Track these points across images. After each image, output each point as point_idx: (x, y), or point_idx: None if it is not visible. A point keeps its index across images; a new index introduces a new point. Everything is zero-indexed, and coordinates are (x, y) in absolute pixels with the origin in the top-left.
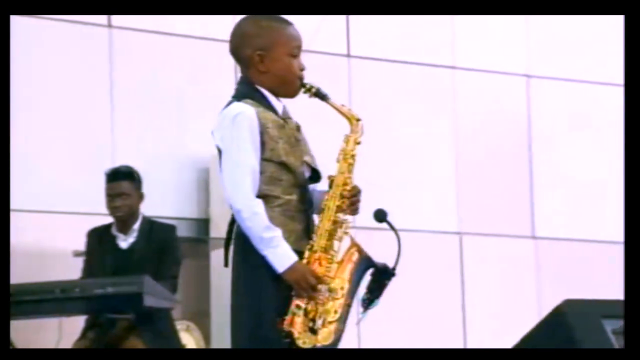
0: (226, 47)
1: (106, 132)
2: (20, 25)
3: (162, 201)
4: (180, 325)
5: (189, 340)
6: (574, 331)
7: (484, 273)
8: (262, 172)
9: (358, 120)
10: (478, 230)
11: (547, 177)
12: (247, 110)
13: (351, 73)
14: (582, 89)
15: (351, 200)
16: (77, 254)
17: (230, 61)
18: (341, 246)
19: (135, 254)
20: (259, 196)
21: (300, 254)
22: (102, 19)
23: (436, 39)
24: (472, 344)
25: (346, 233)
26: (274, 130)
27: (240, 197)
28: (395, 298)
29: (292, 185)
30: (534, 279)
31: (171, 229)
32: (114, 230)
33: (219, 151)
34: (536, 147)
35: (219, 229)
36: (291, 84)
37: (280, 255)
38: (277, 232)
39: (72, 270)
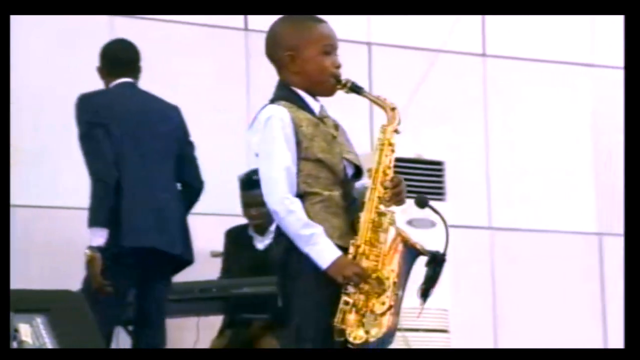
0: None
1: (243, 131)
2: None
3: None
4: None
5: None
6: None
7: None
8: (299, 171)
9: (393, 109)
10: (619, 230)
11: None
12: (279, 111)
13: (486, 72)
14: None
15: (394, 191)
16: (214, 255)
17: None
18: (387, 237)
19: (272, 255)
20: (299, 194)
21: (345, 250)
22: (238, 21)
23: (574, 35)
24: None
25: (391, 224)
26: (309, 129)
27: (275, 197)
28: (534, 297)
29: (332, 182)
30: None
31: None
32: (251, 231)
33: (257, 156)
34: None
35: None
36: (325, 83)
37: (322, 251)
38: (317, 229)
39: (210, 270)
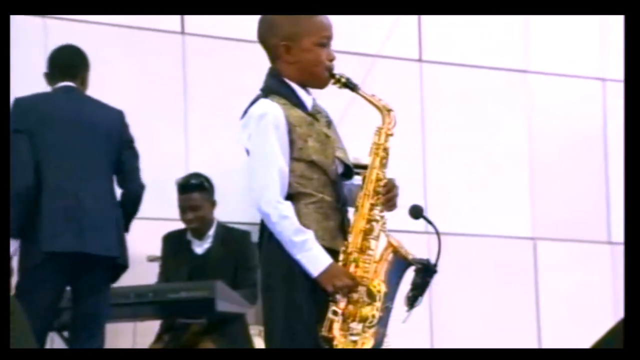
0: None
1: (180, 135)
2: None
3: (237, 207)
4: (253, 330)
5: (262, 345)
6: None
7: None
8: (292, 171)
9: (389, 111)
10: (552, 235)
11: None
12: (273, 109)
13: (423, 77)
14: None
15: (387, 197)
16: (151, 259)
17: None
18: (379, 244)
19: (211, 260)
20: (291, 194)
21: (335, 252)
22: (175, 24)
23: (509, 42)
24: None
25: (382, 230)
26: (303, 128)
27: (268, 201)
28: (470, 302)
29: (324, 183)
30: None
31: (246, 234)
32: (189, 236)
33: (247, 152)
34: (612, 151)
35: None
36: (320, 75)
37: (314, 258)
38: (309, 235)
39: (146, 275)
